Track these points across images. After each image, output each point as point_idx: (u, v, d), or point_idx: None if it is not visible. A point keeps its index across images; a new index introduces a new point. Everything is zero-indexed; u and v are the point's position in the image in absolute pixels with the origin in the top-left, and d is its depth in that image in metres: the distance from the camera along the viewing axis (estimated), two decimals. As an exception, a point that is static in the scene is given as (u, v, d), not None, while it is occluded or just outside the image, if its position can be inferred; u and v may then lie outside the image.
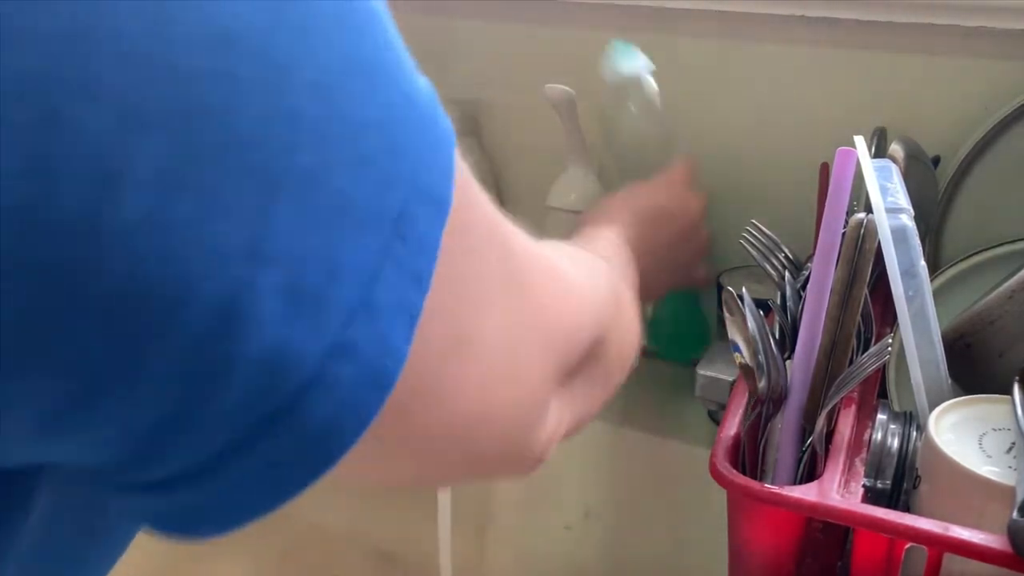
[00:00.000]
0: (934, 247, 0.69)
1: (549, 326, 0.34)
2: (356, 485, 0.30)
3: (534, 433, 0.34)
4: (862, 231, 0.47)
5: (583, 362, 0.39)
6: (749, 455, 0.50)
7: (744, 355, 0.49)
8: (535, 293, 0.33)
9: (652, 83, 0.72)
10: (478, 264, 0.27)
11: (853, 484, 0.48)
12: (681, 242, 0.70)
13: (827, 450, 0.49)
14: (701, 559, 0.77)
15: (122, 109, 0.18)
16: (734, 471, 0.46)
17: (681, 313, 0.82)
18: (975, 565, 0.42)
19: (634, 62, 0.71)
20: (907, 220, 0.50)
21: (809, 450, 0.48)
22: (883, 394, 0.59)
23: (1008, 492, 0.42)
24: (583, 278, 0.41)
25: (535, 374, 0.33)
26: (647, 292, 0.61)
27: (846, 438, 0.50)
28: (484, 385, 0.29)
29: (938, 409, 0.48)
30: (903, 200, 0.51)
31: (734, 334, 0.50)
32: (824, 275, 0.48)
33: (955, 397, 0.49)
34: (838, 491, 0.46)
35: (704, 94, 0.79)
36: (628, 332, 0.47)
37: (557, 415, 0.37)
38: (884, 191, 0.51)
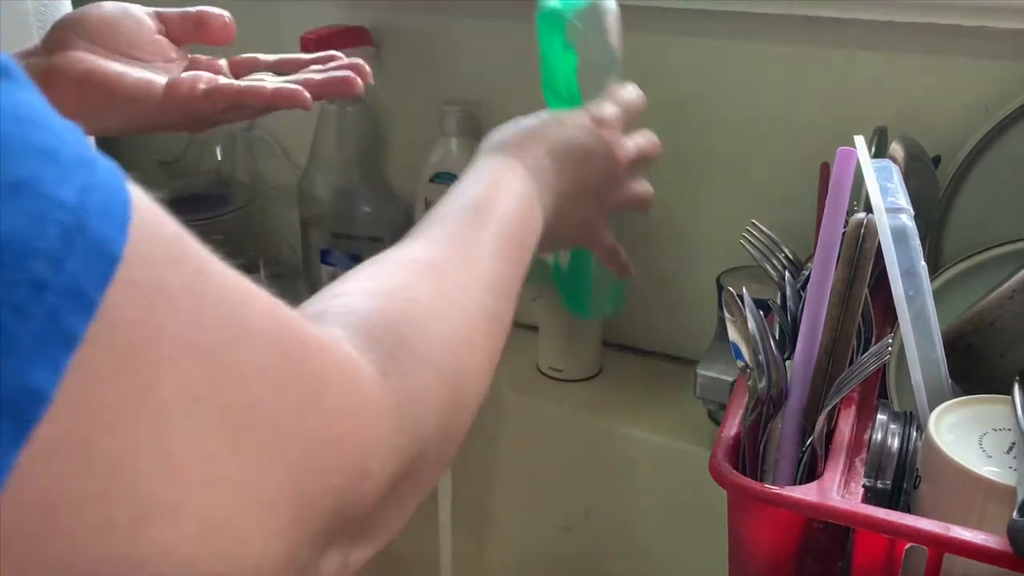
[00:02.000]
0: (934, 247, 0.69)
1: (274, 462, 0.25)
2: None
3: None
4: (862, 231, 0.47)
5: (395, 485, 0.32)
6: (749, 455, 0.50)
7: (744, 355, 0.49)
8: (257, 418, 0.24)
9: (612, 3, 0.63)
10: (151, 383, 0.21)
11: (853, 484, 0.48)
12: (591, 194, 0.59)
13: (827, 450, 0.49)
14: (701, 559, 0.77)
15: None
16: (734, 471, 0.46)
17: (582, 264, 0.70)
18: (976, 565, 0.42)
19: None
20: (907, 220, 0.50)
21: (809, 450, 0.48)
22: (883, 394, 0.59)
23: (1008, 492, 0.41)
24: (388, 387, 0.32)
25: (262, 544, 0.24)
26: (545, 245, 0.54)
27: (846, 438, 0.50)
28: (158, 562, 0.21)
29: (938, 409, 0.48)
30: (903, 200, 0.51)
31: (734, 334, 0.50)
32: (824, 275, 0.48)
33: (955, 397, 0.49)
34: (838, 491, 0.45)
35: (704, 94, 0.79)
36: (479, 398, 0.40)
37: (338, 560, 0.30)
38: (884, 191, 0.51)
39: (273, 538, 0.25)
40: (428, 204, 0.90)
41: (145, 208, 0.21)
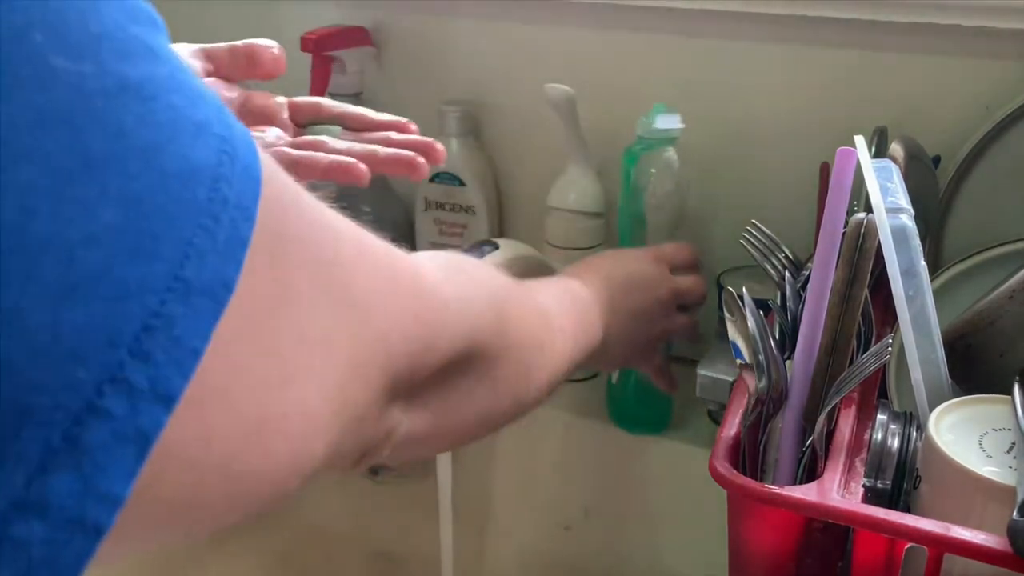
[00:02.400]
0: (934, 247, 0.69)
1: (370, 330, 0.31)
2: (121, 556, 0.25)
3: (346, 436, 0.32)
4: (862, 231, 0.47)
5: (446, 371, 0.39)
6: (749, 455, 0.50)
7: (744, 355, 0.50)
8: (357, 296, 0.30)
9: (672, 153, 0.74)
10: (288, 275, 0.26)
11: (853, 484, 0.48)
12: (646, 317, 0.67)
13: (827, 450, 0.49)
14: (701, 559, 0.77)
15: None
16: (734, 471, 0.46)
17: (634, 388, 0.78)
18: (976, 565, 0.42)
19: (669, 122, 0.72)
20: (907, 220, 0.50)
21: (809, 450, 0.48)
22: (883, 394, 0.59)
23: (1008, 492, 0.42)
24: (448, 286, 0.39)
25: (361, 398, 0.31)
26: (602, 358, 0.62)
27: (846, 438, 0.50)
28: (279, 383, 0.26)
29: (938, 409, 0.48)
30: (903, 200, 0.51)
31: (734, 334, 0.50)
32: (824, 275, 0.48)
33: (955, 397, 0.49)
34: (838, 491, 0.46)
35: (704, 94, 0.79)
36: (523, 353, 0.47)
37: (395, 418, 0.37)
38: (884, 191, 0.51)
39: (367, 393, 0.31)
40: (428, 204, 0.90)
41: (253, 138, 0.26)
